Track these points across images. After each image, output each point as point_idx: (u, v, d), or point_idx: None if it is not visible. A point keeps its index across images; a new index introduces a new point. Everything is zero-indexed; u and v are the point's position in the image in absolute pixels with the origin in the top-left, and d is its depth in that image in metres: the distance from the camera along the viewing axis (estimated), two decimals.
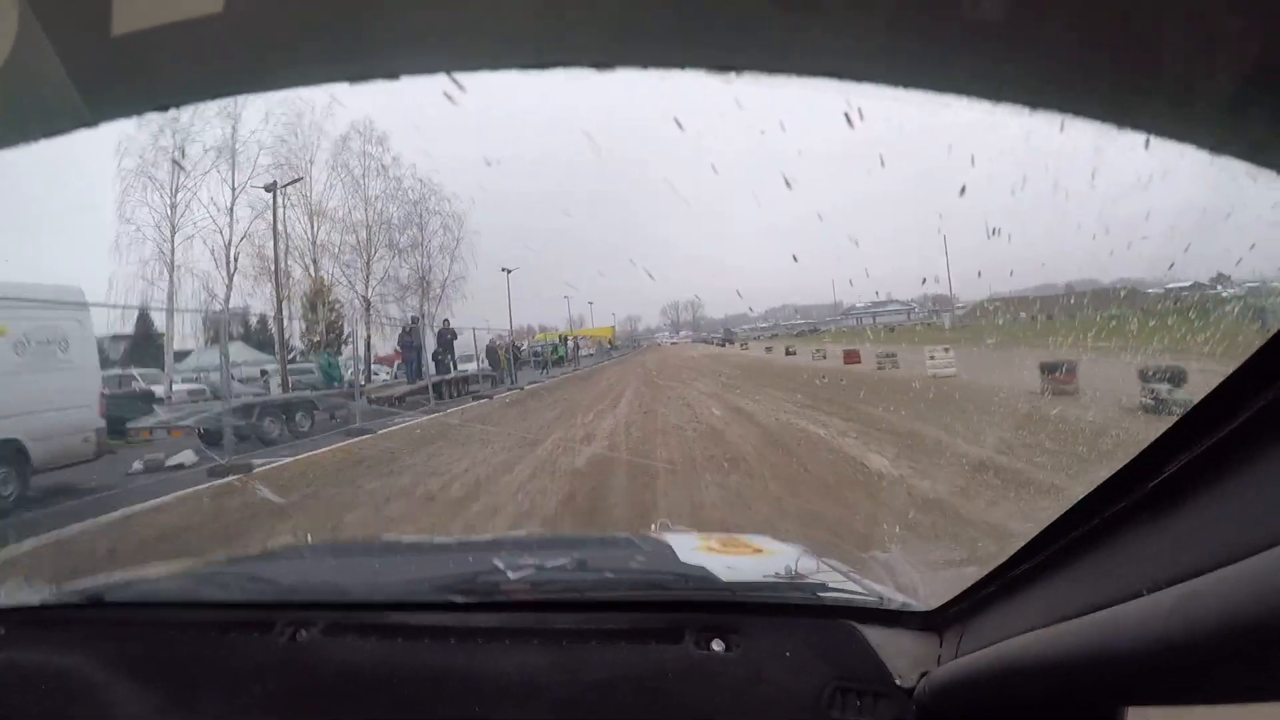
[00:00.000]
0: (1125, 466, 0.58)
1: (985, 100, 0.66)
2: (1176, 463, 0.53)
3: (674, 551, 1.35)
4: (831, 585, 1.12)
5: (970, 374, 11.83)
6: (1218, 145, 0.60)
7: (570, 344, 31.16)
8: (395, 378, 18.26)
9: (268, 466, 7.39)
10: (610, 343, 42.70)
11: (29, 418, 6.74)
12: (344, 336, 19.11)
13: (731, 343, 49.02)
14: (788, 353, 28.07)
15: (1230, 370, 0.50)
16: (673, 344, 55.83)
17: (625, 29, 0.73)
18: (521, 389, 16.52)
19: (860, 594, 1.11)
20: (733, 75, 0.71)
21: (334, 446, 8.72)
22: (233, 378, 10.41)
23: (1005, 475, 4.91)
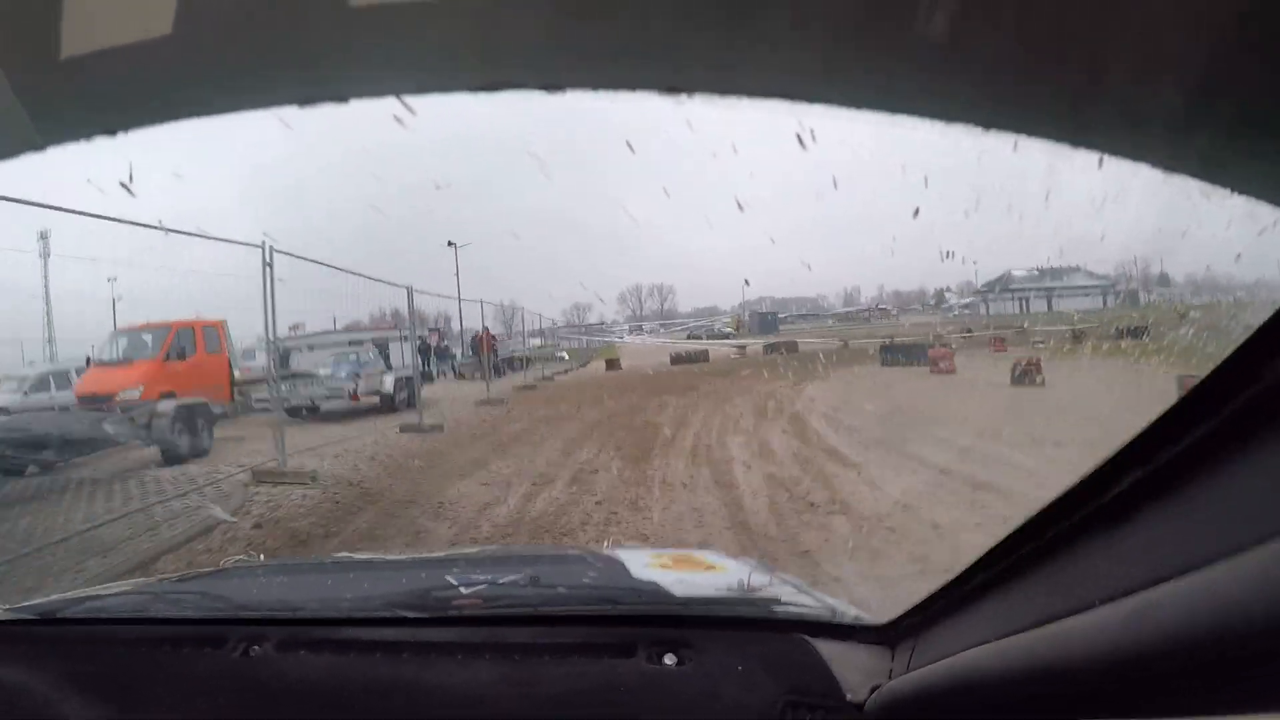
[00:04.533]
0: (1082, 480, 0.58)
1: (937, 120, 0.65)
2: (1132, 475, 0.53)
3: (626, 567, 1.36)
4: (784, 599, 1.12)
5: None
6: (1171, 163, 0.59)
7: None
8: None
9: None
10: None
11: None
12: None
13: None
14: None
15: (1188, 386, 0.50)
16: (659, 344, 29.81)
17: (574, 51, 0.72)
18: None
19: (813, 607, 1.11)
20: (684, 97, 0.71)
21: None
22: None
23: None
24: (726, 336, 33.48)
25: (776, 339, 26.00)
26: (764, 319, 38.41)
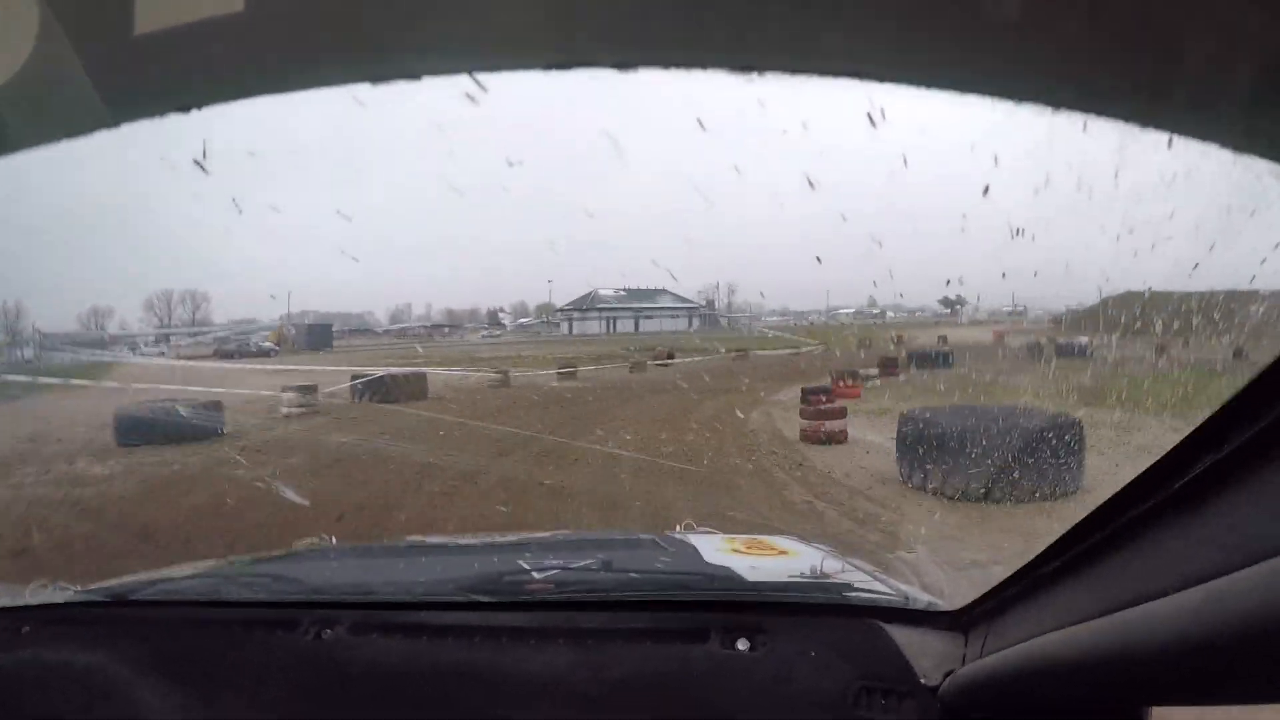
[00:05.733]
0: (1152, 467, 0.58)
1: (1007, 100, 0.66)
2: (1203, 463, 0.53)
3: (699, 552, 1.36)
4: (857, 585, 1.12)
5: None
6: (1241, 144, 0.60)
7: None
8: None
9: None
10: None
11: None
12: None
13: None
14: None
15: (1257, 371, 0.49)
16: None
17: (646, 30, 0.73)
18: None
19: (885, 593, 1.11)
20: (754, 75, 0.72)
21: None
22: None
23: None
24: (267, 354, 24.45)
25: (395, 370, 14.82)
26: (314, 332, 30.48)
